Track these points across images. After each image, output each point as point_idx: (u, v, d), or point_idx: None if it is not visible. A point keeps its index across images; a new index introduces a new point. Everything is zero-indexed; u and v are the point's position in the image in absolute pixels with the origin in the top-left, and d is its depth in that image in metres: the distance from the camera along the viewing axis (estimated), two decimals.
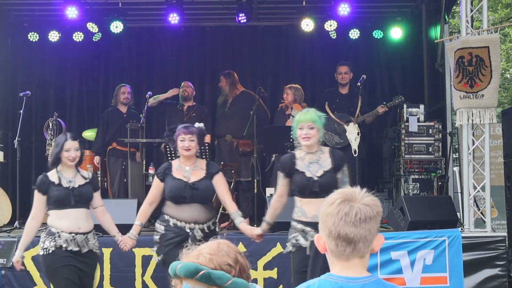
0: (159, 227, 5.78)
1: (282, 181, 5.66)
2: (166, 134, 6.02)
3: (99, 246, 5.88)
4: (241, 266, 2.24)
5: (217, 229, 5.95)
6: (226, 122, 9.47)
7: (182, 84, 9.64)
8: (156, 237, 5.78)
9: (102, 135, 9.28)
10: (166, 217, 5.77)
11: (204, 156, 8.24)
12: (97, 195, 5.88)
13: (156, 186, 5.93)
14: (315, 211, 5.22)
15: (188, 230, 5.68)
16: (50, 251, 5.51)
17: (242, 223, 5.88)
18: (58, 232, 5.53)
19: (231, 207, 5.95)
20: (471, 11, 7.50)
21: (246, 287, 2.20)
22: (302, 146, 5.53)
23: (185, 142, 5.82)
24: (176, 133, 5.87)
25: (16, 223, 8.20)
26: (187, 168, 5.88)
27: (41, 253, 5.58)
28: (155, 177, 6.01)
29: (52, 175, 5.69)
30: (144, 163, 8.52)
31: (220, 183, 5.94)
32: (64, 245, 5.50)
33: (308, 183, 5.37)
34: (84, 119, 11.10)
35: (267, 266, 6.82)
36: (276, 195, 5.77)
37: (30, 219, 5.69)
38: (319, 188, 5.31)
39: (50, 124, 8.31)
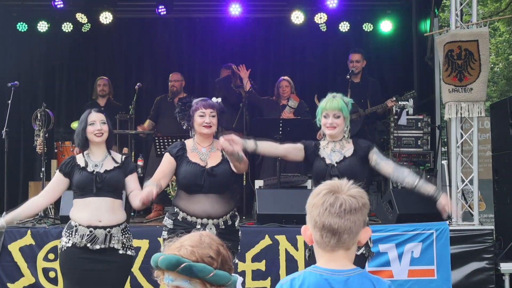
0: (168, 221, 4.99)
1: (293, 144, 5.14)
2: (180, 109, 5.14)
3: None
4: (223, 258, 2.24)
5: (236, 224, 5.06)
6: None
7: (170, 78, 9.53)
8: (164, 233, 4.98)
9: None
10: (176, 209, 4.97)
11: None
12: (131, 179, 5.07)
13: (168, 163, 5.04)
14: None
15: (198, 226, 4.85)
16: (65, 249, 4.88)
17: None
18: (76, 226, 4.87)
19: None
20: (461, 4, 7.51)
21: (228, 279, 2.20)
22: (326, 136, 5.05)
23: (205, 117, 5.00)
24: (194, 107, 5.05)
25: (4, 214, 8.14)
26: (204, 150, 5.05)
27: (59, 248, 4.99)
28: (167, 154, 5.07)
29: (79, 159, 5.03)
30: (133, 154, 8.49)
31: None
32: (78, 242, 4.83)
33: (327, 168, 4.87)
34: (73, 110, 11.03)
35: (255, 258, 6.82)
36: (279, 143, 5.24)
37: (38, 196, 5.10)
38: (339, 172, 4.71)
39: (39, 115, 8.25)
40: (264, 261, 6.84)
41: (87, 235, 4.83)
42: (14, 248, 6.80)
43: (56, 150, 9.15)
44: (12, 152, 8.80)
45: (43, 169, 8.05)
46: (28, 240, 6.83)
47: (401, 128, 9.22)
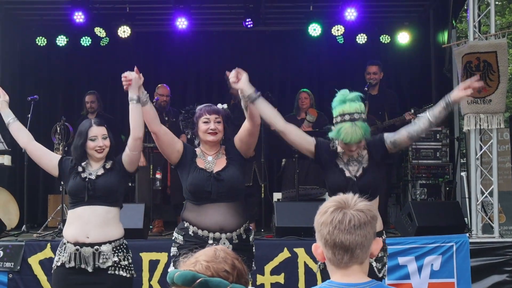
0: (178, 236, 4.65)
1: (306, 136, 4.80)
2: (183, 117, 4.81)
3: (129, 265, 4.62)
4: (239, 272, 2.23)
5: (250, 239, 4.71)
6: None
7: (158, 91, 9.28)
8: (174, 249, 4.67)
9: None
10: (186, 224, 4.61)
11: None
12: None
13: (177, 140, 4.84)
14: None
15: (211, 241, 4.48)
16: (55, 268, 4.61)
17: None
18: (65, 243, 4.56)
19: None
20: (479, 15, 7.48)
21: None
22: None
23: (210, 123, 4.68)
24: (197, 113, 4.74)
25: (24, 227, 8.20)
26: (210, 159, 4.73)
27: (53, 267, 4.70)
28: (182, 142, 4.86)
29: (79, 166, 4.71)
30: (151, 167, 8.52)
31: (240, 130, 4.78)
32: (66, 262, 4.51)
33: (347, 185, 4.46)
34: None
35: (274, 271, 6.80)
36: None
37: (30, 140, 4.99)
38: (359, 190, 4.07)
39: (58, 129, 8.31)
40: (283, 274, 6.82)
41: (74, 254, 4.47)
42: (34, 261, 6.83)
43: None
44: (31, 166, 8.83)
45: (62, 182, 8.08)
46: (48, 253, 6.85)
47: (420, 140, 9.17)
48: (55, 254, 4.75)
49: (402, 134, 4.62)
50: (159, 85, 9.33)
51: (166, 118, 9.14)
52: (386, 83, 9.97)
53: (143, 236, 7.07)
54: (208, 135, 4.69)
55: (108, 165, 4.69)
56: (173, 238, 4.72)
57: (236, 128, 4.84)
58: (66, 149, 8.25)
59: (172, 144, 4.73)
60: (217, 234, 4.52)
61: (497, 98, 7.09)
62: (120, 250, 4.56)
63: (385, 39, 10.83)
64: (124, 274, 4.55)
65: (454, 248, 6.80)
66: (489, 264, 6.91)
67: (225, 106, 4.89)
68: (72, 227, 4.53)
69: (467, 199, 8.60)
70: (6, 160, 8.80)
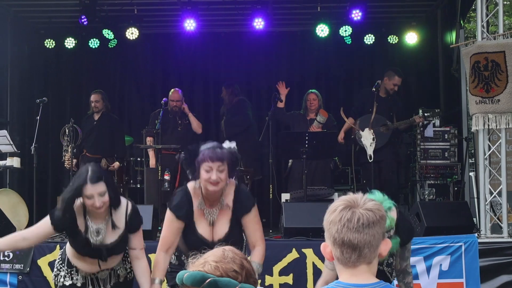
0: (172, 256, 4.61)
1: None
2: (184, 157, 4.40)
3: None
4: (248, 272, 2.24)
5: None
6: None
7: (170, 96, 9.23)
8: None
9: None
10: (180, 251, 4.55)
11: None
12: (134, 236, 4.52)
13: (175, 228, 4.42)
14: None
15: None
16: (63, 285, 4.52)
17: None
18: (75, 267, 4.52)
19: (257, 254, 4.45)
20: (487, 15, 7.47)
21: None
22: None
23: (211, 173, 4.23)
24: (200, 158, 4.28)
25: None
26: (213, 210, 4.41)
27: (53, 281, 4.64)
28: (172, 215, 4.43)
29: (79, 217, 4.39)
30: (159, 169, 8.54)
31: (250, 224, 4.48)
32: (79, 283, 4.50)
33: None
34: None
35: (282, 272, 6.80)
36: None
37: (22, 238, 4.46)
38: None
39: (67, 131, 8.35)
40: (291, 274, 6.82)
41: (90, 279, 4.49)
42: (43, 262, 6.86)
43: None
44: (40, 167, 8.90)
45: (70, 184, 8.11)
46: (57, 254, 6.85)
47: (428, 140, 9.17)
48: None
49: (402, 264, 4.37)
50: (173, 89, 9.36)
51: (180, 122, 9.17)
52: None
53: (151, 237, 7.08)
54: (209, 185, 4.28)
55: (120, 224, 4.43)
56: None
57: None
58: (74, 151, 8.29)
59: (180, 234, 4.46)
60: None
61: (505, 98, 7.07)
62: (125, 262, 4.64)
63: (392, 39, 10.83)
64: (133, 276, 4.67)
65: (463, 248, 6.79)
66: (498, 264, 6.89)
67: (233, 145, 4.41)
68: (83, 263, 4.48)
69: (475, 199, 8.59)
70: (15, 162, 8.83)
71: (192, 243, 4.36)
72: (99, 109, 9.39)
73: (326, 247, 2.29)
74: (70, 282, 4.48)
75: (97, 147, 9.14)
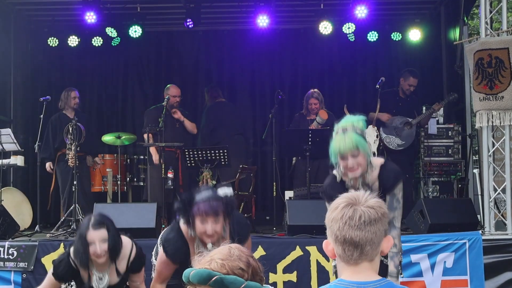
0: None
1: None
2: (179, 206, 4.25)
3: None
4: (254, 269, 2.24)
5: None
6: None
7: (170, 92, 9.15)
8: (154, 260, 4.62)
9: (52, 141, 8.93)
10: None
11: (223, 161, 8.23)
12: (136, 275, 4.68)
13: (169, 266, 4.35)
14: None
15: None
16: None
17: None
18: None
19: None
20: (490, 12, 7.45)
21: None
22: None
23: (207, 225, 4.11)
24: (195, 211, 4.14)
25: (37, 227, 8.25)
26: (209, 246, 4.17)
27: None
28: (168, 260, 4.34)
29: (82, 270, 4.55)
30: (163, 166, 8.54)
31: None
32: None
33: None
34: (103, 123, 11.17)
35: (286, 270, 6.81)
36: None
37: None
38: None
39: (70, 129, 8.34)
40: (295, 272, 6.83)
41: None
42: (47, 261, 6.86)
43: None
44: (44, 166, 8.91)
45: (75, 182, 8.13)
46: (60, 253, 6.88)
47: (432, 137, 9.15)
48: None
49: (389, 214, 4.05)
50: (170, 85, 9.31)
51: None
52: (398, 81, 9.95)
53: (155, 235, 7.07)
54: (205, 237, 4.15)
55: (121, 270, 4.57)
56: (154, 251, 4.68)
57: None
58: (78, 149, 8.28)
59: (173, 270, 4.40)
60: None
61: (509, 94, 7.05)
62: (135, 262, 4.70)
63: (396, 36, 10.81)
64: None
65: (467, 245, 6.78)
66: (502, 261, 6.88)
67: (229, 191, 4.24)
68: None
69: (479, 196, 8.57)
70: (19, 160, 8.85)
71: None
72: (78, 105, 9.27)
73: (328, 244, 2.29)
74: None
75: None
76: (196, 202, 4.13)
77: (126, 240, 4.61)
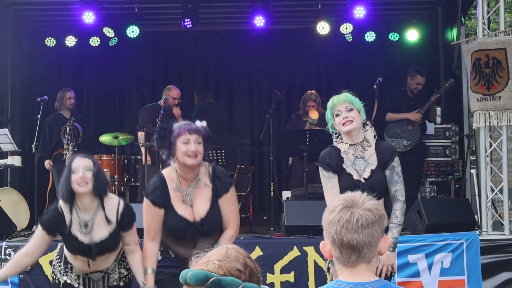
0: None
1: (332, 181, 4.39)
2: (159, 135, 4.34)
3: (129, 270, 4.60)
4: (251, 270, 2.24)
5: None
6: None
7: (170, 93, 9.12)
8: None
9: (48, 141, 8.91)
10: (166, 246, 4.47)
11: (221, 162, 8.22)
12: (128, 234, 4.48)
13: (154, 214, 4.35)
14: None
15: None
16: (59, 282, 4.52)
17: None
18: (71, 264, 4.50)
19: (225, 238, 4.39)
20: (488, 12, 7.45)
21: None
22: (343, 137, 4.45)
23: (190, 144, 4.23)
24: (175, 133, 4.26)
25: (34, 228, 8.23)
26: (189, 190, 4.36)
27: (51, 276, 4.63)
28: (149, 203, 4.37)
29: (67, 214, 4.37)
30: (161, 167, 8.53)
31: (226, 205, 4.42)
32: (74, 282, 4.49)
33: (356, 186, 4.28)
34: (101, 123, 11.16)
35: (284, 270, 6.80)
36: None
37: (24, 255, 4.42)
38: (370, 190, 3.95)
39: (67, 129, 8.33)
40: (292, 272, 6.82)
41: (83, 278, 4.46)
42: (44, 261, 6.83)
43: None
44: (41, 166, 8.90)
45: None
46: None
47: (429, 137, 9.15)
48: None
49: (392, 188, 4.44)
50: (171, 86, 9.29)
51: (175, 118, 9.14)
52: (395, 81, 9.98)
53: None
54: (188, 158, 4.24)
55: (111, 218, 4.39)
56: None
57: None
58: (75, 149, 8.27)
59: (162, 221, 4.41)
60: None
61: (506, 95, 7.06)
62: (122, 259, 4.58)
63: (393, 36, 10.82)
64: (128, 280, 4.65)
65: (464, 245, 6.78)
66: (500, 261, 6.88)
67: (204, 123, 4.40)
68: (76, 261, 4.45)
69: (477, 196, 8.57)
70: (16, 161, 8.84)
71: (174, 225, 4.33)
72: (74, 105, 9.25)
73: (325, 245, 2.29)
74: (66, 278, 4.46)
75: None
76: (176, 127, 4.28)
77: (112, 194, 4.53)
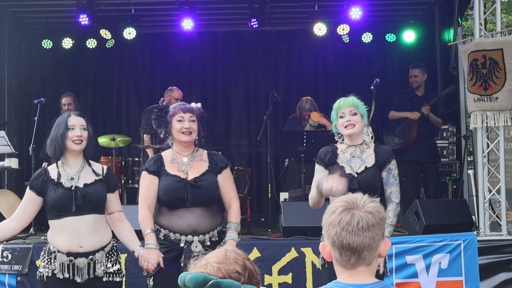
0: None
1: (321, 174, 4.60)
2: (156, 115, 4.64)
3: (120, 269, 4.44)
4: (250, 272, 2.23)
5: (223, 241, 4.56)
6: None
7: (172, 94, 9.09)
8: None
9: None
10: (156, 227, 4.55)
11: None
12: (113, 197, 4.45)
13: (150, 183, 4.56)
14: None
15: (182, 244, 4.45)
16: (43, 277, 4.32)
17: (230, 240, 4.54)
18: (54, 252, 4.28)
19: (234, 214, 4.65)
20: (484, 13, 7.46)
21: None
22: (344, 138, 4.68)
23: (184, 122, 4.53)
24: (171, 112, 4.58)
25: (31, 230, 8.21)
26: (185, 159, 4.60)
27: (38, 276, 4.39)
28: (145, 172, 4.61)
29: (52, 171, 4.34)
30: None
31: (226, 181, 4.67)
32: (56, 272, 4.25)
33: (347, 179, 4.36)
34: (98, 125, 11.14)
35: (281, 271, 6.80)
36: None
37: (10, 219, 4.41)
38: (359, 185, 4.38)
39: None
40: (290, 274, 6.81)
41: (67, 265, 4.24)
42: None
43: None
44: (38, 168, 8.87)
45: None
46: None
47: None
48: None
49: (387, 190, 4.62)
50: (173, 87, 9.23)
51: None
52: (393, 82, 9.98)
53: None
54: (182, 135, 4.55)
55: (98, 171, 4.41)
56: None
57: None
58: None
59: (157, 192, 4.60)
60: (189, 237, 4.47)
61: (503, 95, 7.06)
62: (112, 255, 4.40)
63: (390, 37, 10.83)
64: (118, 279, 4.42)
65: (462, 246, 6.78)
66: (497, 262, 6.88)
67: (199, 105, 4.73)
68: (62, 237, 4.26)
69: (474, 197, 8.58)
70: (13, 163, 8.82)
71: (167, 184, 4.51)
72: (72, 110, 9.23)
73: (325, 247, 2.28)
74: (49, 271, 4.26)
75: None
76: (172, 107, 4.64)
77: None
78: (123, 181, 9.49)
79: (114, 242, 4.49)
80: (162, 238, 4.51)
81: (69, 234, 4.23)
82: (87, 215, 4.26)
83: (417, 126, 8.63)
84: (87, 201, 4.26)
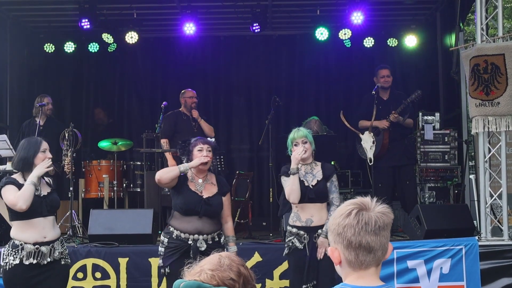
0: (163, 239, 5.57)
1: (289, 180, 5.87)
2: (181, 146, 5.82)
3: (70, 255, 5.67)
4: (245, 279, 2.22)
5: (221, 241, 5.64)
6: None
7: (185, 95, 9.21)
8: (161, 249, 5.57)
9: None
10: (171, 228, 5.57)
11: (220, 167, 8.24)
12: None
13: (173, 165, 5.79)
14: (308, 216, 5.75)
15: (190, 242, 5.47)
16: (11, 266, 5.15)
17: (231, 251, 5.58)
18: (21, 244, 5.18)
19: (230, 230, 5.76)
20: (486, 18, 7.46)
21: None
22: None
23: (203, 151, 5.64)
24: (193, 143, 5.71)
25: None
26: (200, 181, 5.69)
27: (2, 267, 5.25)
28: (176, 168, 5.65)
29: (20, 180, 5.33)
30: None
31: (227, 203, 5.77)
32: (25, 259, 5.14)
33: (306, 190, 5.74)
34: (99, 129, 11.15)
35: (283, 276, 6.80)
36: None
37: None
38: (315, 194, 5.76)
39: (66, 135, 8.32)
40: None
41: (35, 251, 5.17)
42: None
43: (83, 169, 9.23)
44: None
45: (71, 188, 8.12)
46: None
47: (428, 143, 9.15)
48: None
49: (330, 196, 5.90)
50: (185, 90, 9.25)
51: (194, 124, 9.08)
52: (394, 86, 9.94)
53: (152, 241, 7.07)
54: (201, 162, 5.62)
55: (51, 185, 5.55)
56: (160, 239, 5.67)
57: None
58: (74, 155, 8.26)
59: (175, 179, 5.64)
60: (196, 236, 5.51)
61: (505, 100, 7.06)
62: (63, 243, 5.46)
63: (392, 42, 10.84)
64: (69, 262, 5.56)
65: (463, 251, 6.78)
66: (499, 267, 6.88)
67: (213, 140, 5.95)
68: (29, 232, 5.20)
69: (476, 202, 8.57)
70: None
71: (187, 197, 5.57)
72: (51, 112, 9.21)
73: (334, 251, 2.29)
74: (17, 261, 5.14)
75: None
76: (193, 140, 5.76)
77: None
78: (124, 185, 9.49)
79: (62, 238, 5.58)
80: (175, 237, 5.52)
81: (36, 230, 5.22)
82: (50, 217, 5.34)
83: (388, 132, 8.53)
84: (53, 207, 5.41)
